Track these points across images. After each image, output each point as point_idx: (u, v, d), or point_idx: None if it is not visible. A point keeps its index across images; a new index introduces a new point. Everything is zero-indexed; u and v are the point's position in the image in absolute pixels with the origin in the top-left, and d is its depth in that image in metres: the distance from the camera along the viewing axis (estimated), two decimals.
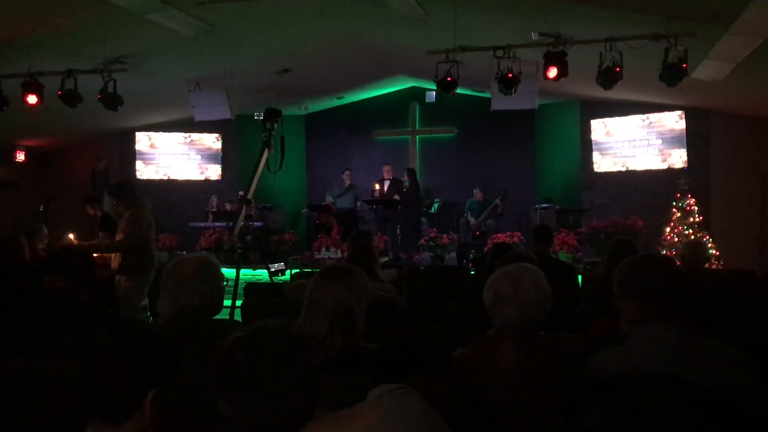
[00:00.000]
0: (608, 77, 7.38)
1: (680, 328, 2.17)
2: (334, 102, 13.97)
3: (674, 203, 10.08)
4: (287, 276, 8.67)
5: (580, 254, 10.03)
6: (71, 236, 7.08)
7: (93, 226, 8.54)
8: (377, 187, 11.56)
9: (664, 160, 11.48)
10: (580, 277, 6.86)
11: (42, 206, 9.79)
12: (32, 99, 8.29)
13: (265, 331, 1.46)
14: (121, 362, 1.56)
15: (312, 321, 2.50)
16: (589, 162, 12.15)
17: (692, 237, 9.40)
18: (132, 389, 1.56)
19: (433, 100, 12.97)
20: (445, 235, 10.95)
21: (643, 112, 11.54)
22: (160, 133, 13.64)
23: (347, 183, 12.45)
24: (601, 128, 12.05)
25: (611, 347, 2.25)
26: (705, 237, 9.61)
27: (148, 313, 6.17)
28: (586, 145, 12.20)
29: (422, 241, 11.19)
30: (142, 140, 13.67)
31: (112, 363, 1.56)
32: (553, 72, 7.50)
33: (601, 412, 1.94)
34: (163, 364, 1.63)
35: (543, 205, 11.39)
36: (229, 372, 1.39)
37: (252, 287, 5.96)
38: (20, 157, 13.21)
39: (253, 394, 1.37)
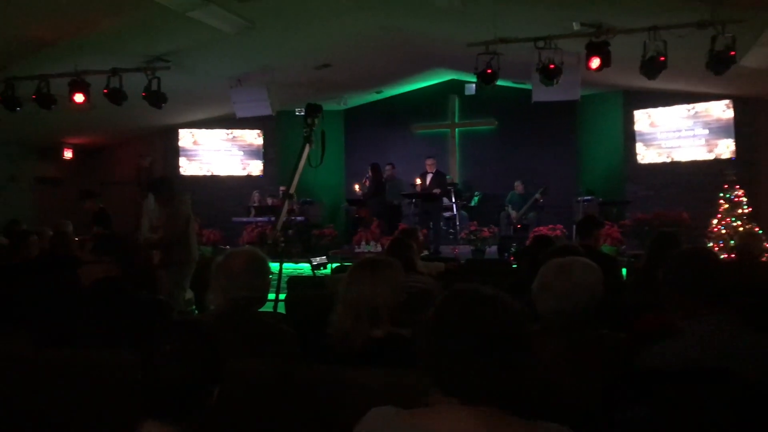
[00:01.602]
0: (652, 67, 7.24)
1: (733, 321, 2.13)
2: (373, 96, 13.98)
3: (721, 194, 9.85)
4: (328, 270, 8.73)
5: (623, 247, 9.88)
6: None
7: (93, 221, 8.71)
8: (418, 181, 11.55)
9: (711, 151, 11.22)
10: (624, 270, 6.75)
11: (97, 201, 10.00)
12: (79, 98, 8.48)
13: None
14: (187, 359, 1.54)
15: (339, 314, 2.53)
16: (633, 153, 11.95)
17: (741, 229, 9.18)
18: (197, 387, 1.55)
19: (473, 92, 12.88)
20: (485, 229, 10.89)
21: (688, 102, 11.29)
22: (203, 130, 13.84)
23: (389, 177, 12.52)
24: (644, 119, 11.83)
25: (661, 341, 2.22)
26: (755, 228, 9.38)
27: (193, 306, 6.29)
28: (630, 137, 11.99)
29: (462, 234, 11.15)
30: (185, 137, 13.89)
31: (177, 359, 1.54)
32: (595, 62, 7.39)
33: (650, 406, 1.92)
34: (222, 359, 1.61)
35: (585, 198, 11.24)
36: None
37: (294, 280, 6.03)
38: (67, 154, 13.56)
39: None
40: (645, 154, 11.86)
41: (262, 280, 2.70)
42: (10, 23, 7.09)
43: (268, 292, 2.78)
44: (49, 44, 7.77)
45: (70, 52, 7.95)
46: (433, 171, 11.58)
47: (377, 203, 12.12)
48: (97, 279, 2.83)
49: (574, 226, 8.75)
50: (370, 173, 12.21)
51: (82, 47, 7.88)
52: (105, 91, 8.49)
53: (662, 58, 7.10)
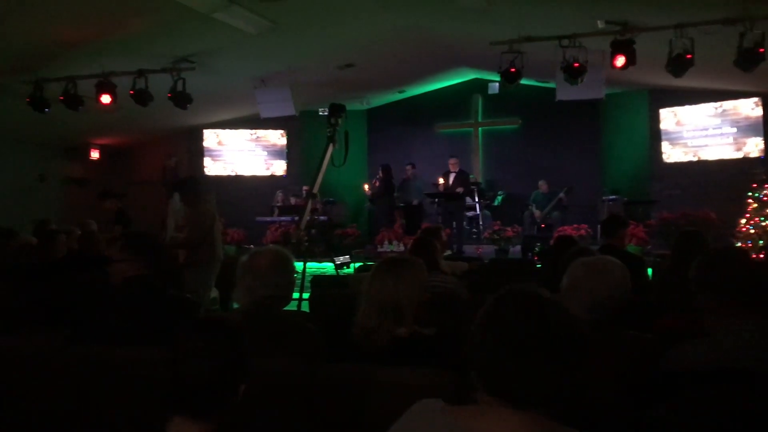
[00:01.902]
0: (679, 65, 7.16)
1: (763, 322, 2.10)
2: (396, 96, 13.98)
3: (749, 193, 9.69)
4: (351, 269, 8.75)
5: (649, 247, 9.77)
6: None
7: (114, 220, 8.83)
8: (441, 180, 11.53)
9: (739, 149, 11.05)
10: (650, 270, 6.68)
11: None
12: (106, 99, 8.59)
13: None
14: (216, 356, 1.55)
15: (363, 313, 2.54)
16: (658, 152, 11.81)
17: None
18: (223, 384, 1.55)
19: (496, 91, 12.81)
20: (509, 228, 10.84)
21: (715, 100, 11.14)
22: (227, 130, 13.95)
23: (408, 176, 12.51)
24: (670, 117, 11.70)
25: (688, 341, 2.20)
26: None
27: (217, 306, 6.35)
28: (655, 135, 11.86)
29: (486, 234, 11.11)
30: (210, 137, 14.01)
31: (206, 357, 1.55)
32: (620, 61, 7.33)
33: (677, 406, 1.90)
34: (248, 356, 1.61)
35: (610, 197, 11.15)
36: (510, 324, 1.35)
37: (318, 279, 6.06)
38: (94, 155, 13.75)
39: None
40: (671, 153, 11.72)
41: (287, 279, 2.72)
42: (39, 25, 7.21)
43: (293, 290, 2.79)
44: (77, 46, 7.89)
45: (97, 54, 8.06)
46: (456, 170, 11.55)
47: (386, 204, 12.19)
48: (126, 277, 2.86)
49: (599, 226, 8.67)
50: (380, 174, 12.22)
51: (108, 49, 7.98)
52: (131, 92, 8.60)
53: (689, 56, 7.02)
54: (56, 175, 13.12)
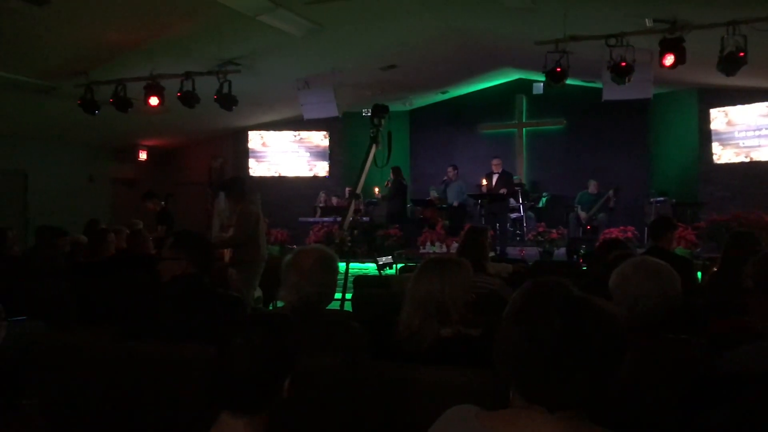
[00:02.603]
0: (731, 63, 6.96)
1: None
2: (438, 97, 13.95)
3: None
4: (394, 270, 8.74)
5: (698, 250, 9.54)
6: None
7: (157, 220, 9.01)
8: (484, 181, 11.45)
9: None
10: (699, 273, 6.52)
11: (163, 202, 10.35)
12: (154, 101, 8.75)
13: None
14: (260, 351, 1.56)
15: (408, 312, 2.52)
16: (708, 153, 11.53)
17: None
18: (270, 380, 1.56)
19: (541, 91, 12.70)
20: (553, 230, 10.70)
21: None
22: (271, 132, 14.11)
23: (451, 178, 12.47)
24: (721, 117, 11.41)
25: (741, 344, 2.13)
26: None
27: (261, 305, 6.41)
28: (705, 136, 11.58)
29: (530, 235, 11.00)
30: (255, 139, 14.19)
31: (251, 352, 1.55)
32: (669, 59, 7.17)
33: (730, 410, 1.84)
34: (294, 353, 1.62)
35: (658, 199, 10.92)
36: (541, 324, 1.28)
37: (360, 280, 6.07)
38: (142, 156, 14.04)
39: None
40: (721, 154, 11.44)
41: (331, 277, 2.73)
42: (90, 30, 7.40)
43: (335, 288, 2.80)
44: (127, 49, 8.07)
45: (146, 57, 8.22)
46: (500, 171, 11.46)
47: (396, 205, 12.28)
48: (175, 275, 2.91)
49: (646, 228, 8.51)
50: (392, 175, 12.26)
51: (157, 52, 8.14)
52: (178, 94, 8.73)
53: (742, 54, 6.82)
54: (105, 176, 13.45)
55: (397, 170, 12.38)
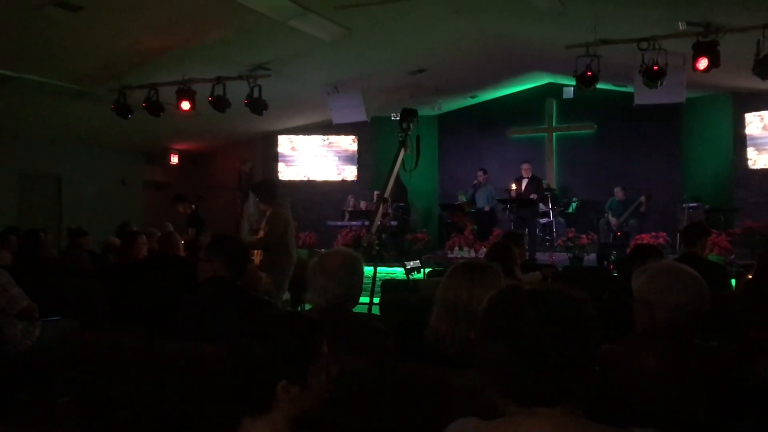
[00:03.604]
0: (767, 66, 6.84)
1: None
2: (467, 101, 13.90)
3: None
4: (421, 274, 8.72)
5: (732, 257, 9.36)
6: None
7: (187, 223, 9.10)
8: (514, 186, 11.39)
9: None
10: (733, 280, 6.40)
11: (193, 205, 10.48)
12: (186, 105, 8.87)
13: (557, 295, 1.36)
14: (269, 349, 1.54)
15: (437, 316, 2.52)
16: (743, 158, 11.32)
17: None
18: (264, 377, 1.53)
19: (571, 95, 12.58)
20: (584, 236, 10.60)
21: None
22: (300, 136, 14.19)
23: (480, 182, 12.42)
24: (756, 122, 11.20)
25: None
26: None
27: (289, 308, 6.43)
28: (740, 141, 11.38)
29: (559, 241, 10.90)
30: (284, 143, 14.28)
31: (260, 350, 1.54)
32: (703, 63, 7.06)
33: (763, 420, 1.81)
34: (296, 352, 1.56)
35: (691, 204, 10.75)
36: (512, 322, 1.31)
37: (388, 284, 6.07)
38: (174, 159, 14.24)
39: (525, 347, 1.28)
40: (757, 159, 11.23)
41: (357, 278, 2.74)
42: (123, 36, 7.52)
43: (361, 290, 2.81)
44: (159, 54, 8.18)
45: (178, 62, 8.33)
46: (529, 176, 11.39)
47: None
48: (208, 277, 2.95)
49: (678, 234, 8.38)
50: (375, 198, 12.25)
51: (189, 57, 8.25)
52: (209, 98, 8.84)
53: None
54: (137, 179, 13.66)
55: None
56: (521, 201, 11.00)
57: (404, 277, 7.38)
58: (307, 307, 2.86)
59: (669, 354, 2.22)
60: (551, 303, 1.31)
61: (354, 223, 12.02)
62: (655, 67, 7.37)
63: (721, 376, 2.16)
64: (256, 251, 6.20)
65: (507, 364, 1.28)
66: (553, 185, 13.15)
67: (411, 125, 6.47)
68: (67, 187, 12.02)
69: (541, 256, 10.75)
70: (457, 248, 10.76)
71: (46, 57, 7.88)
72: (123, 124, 9.36)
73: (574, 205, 12.95)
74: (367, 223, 8.63)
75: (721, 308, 3.76)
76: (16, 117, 9.87)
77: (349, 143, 14.11)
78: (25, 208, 11.27)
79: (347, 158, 14.18)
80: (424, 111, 12.92)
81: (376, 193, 11.87)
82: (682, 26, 7.24)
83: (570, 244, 10.54)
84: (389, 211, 7.43)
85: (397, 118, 6.79)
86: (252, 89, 8.91)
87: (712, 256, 9.07)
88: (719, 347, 2.33)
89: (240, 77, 8.84)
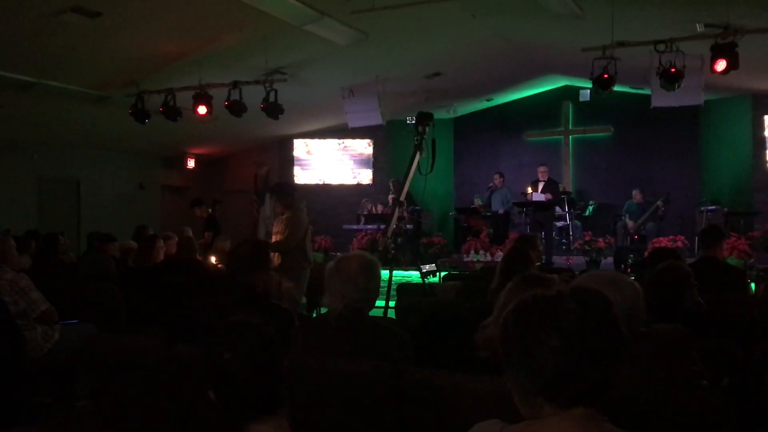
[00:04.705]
0: None
1: None
2: (483, 104, 13.88)
3: None
4: (437, 278, 8.70)
5: (752, 260, 9.26)
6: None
7: (204, 226, 9.14)
8: (530, 189, 11.34)
9: None
10: (753, 285, 6.33)
11: (210, 209, 10.54)
12: (202, 110, 8.91)
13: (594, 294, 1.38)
14: (247, 354, 1.58)
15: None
16: (763, 161, 11.19)
17: None
18: (268, 379, 1.56)
19: (588, 98, 12.53)
20: (601, 239, 10.53)
21: None
22: (316, 140, 14.23)
23: (496, 185, 12.37)
24: None
25: None
26: None
27: (305, 311, 6.44)
28: (759, 143, 11.24)
29: (576, 244, 10.84)
30: (300, 147, 14.33)
31: (239, 356, 1.58)
32: (721, 65, 6.99)
33: None
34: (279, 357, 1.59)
35: (709, 207, 10.66)
36: (560, 316, 1.31)
37: (404, 287, 6.06)
38: (190, 164, 14.34)
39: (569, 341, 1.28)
40: None
41: (374, 282, 2.74)
42: (141, 41, 7.59)
43: (378, 294, 2.80)
44: (176, 59, 8.24)
45: (195, 67, 8.38)
46: (545, 179, 11.34)
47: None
48: (233, 283, 2.96)
49: (696, 237, 8.30)
50: (392, 187, 12.17)
51: (205, 62, 8.30)
52: (226, 103, 8.88)
53: None
54: (155, 183, 13.76)
55: (396, 183, 12.07)
56: (537, 204, 10.94)
57: (420, 280, 7.35)
58: (323, 310, 2.85)
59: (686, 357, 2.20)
60: (592, 298, 1.34)
61: (370, 226, 12.02)
62: (673, 69, 7.31)
63: (743, 381, 2.13)
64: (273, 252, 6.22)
65: (556, 359, 1.27)
66: (570, 188, 13.07)
67: (427, 129, 6.45)
68: (86, 191, 12.14)
69: (558, 260, 10.68)
70: (472, 252, 10.72)
71: (65, 63, 7.96)
72: (140, 129, 9.43)
73: (590, 208, 12.87)
74: (383, 226, 8.63)
75: (741, 313, 3.72)
76: (35, 122, 9.98)
77: (364, 147, 14.12)
78: (44, 212, 11.40)
79: (363, 162, 14.19)
80: (440, 114, 12.91)
81: (391, 196, 11.88)
82: (700, 28, 7.18)
83: (587, 247, 10.48)
84: (405, 214, 7.41)
85: (413, 122, 6.78)
86: (268, 93, 8.94)
87: (732, 260, 8.98)
88: (739, 350, 2.30)
89: (256, 82, 8.88)
